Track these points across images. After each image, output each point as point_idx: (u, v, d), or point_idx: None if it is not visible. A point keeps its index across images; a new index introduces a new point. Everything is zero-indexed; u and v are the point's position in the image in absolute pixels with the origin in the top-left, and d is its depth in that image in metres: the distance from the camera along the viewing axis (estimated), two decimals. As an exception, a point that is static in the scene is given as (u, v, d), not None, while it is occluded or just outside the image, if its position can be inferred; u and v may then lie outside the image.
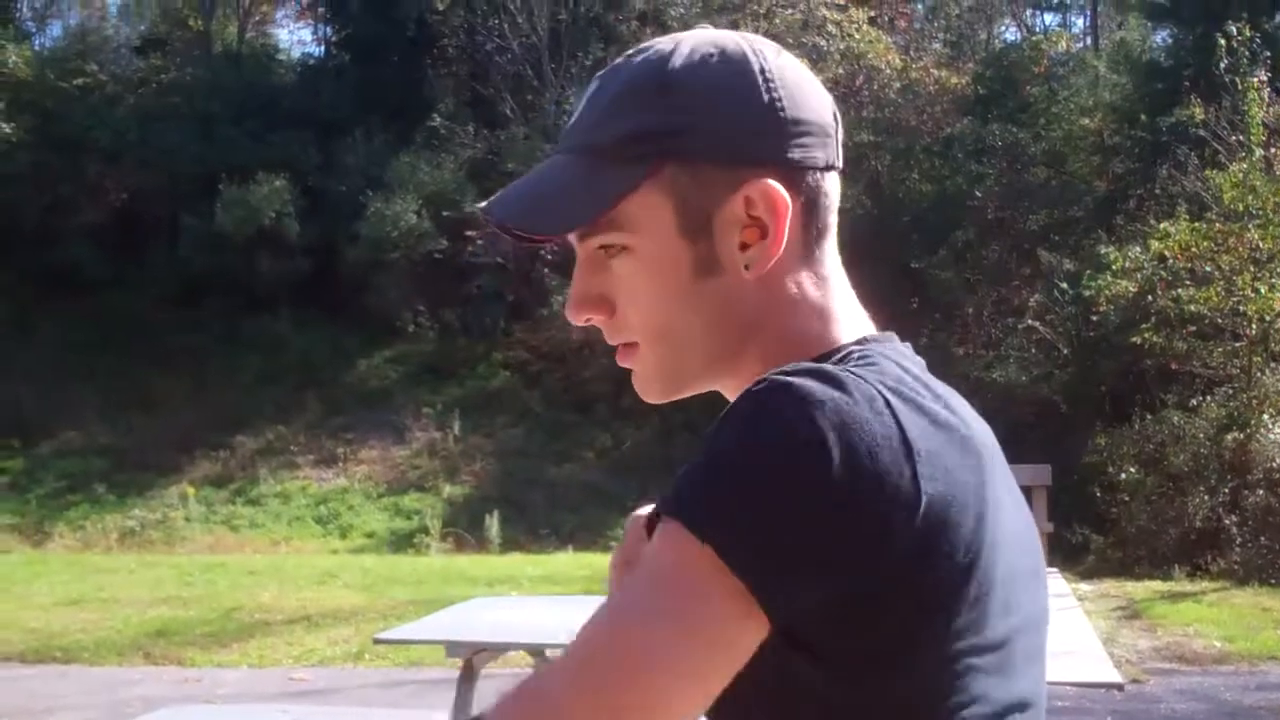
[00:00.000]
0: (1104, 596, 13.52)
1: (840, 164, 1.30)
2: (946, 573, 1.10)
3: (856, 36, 27.09)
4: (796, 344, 1.25)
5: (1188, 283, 17.31)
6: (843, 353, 1.23)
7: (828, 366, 1.14)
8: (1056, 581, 10.68)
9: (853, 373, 1.13)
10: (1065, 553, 16.20)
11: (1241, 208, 16.80)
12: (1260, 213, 16.68)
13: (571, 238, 1.28)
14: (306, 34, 47.20)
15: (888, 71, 26.67)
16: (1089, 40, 34.05)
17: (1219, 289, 16.80)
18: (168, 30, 36.78)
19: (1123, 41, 30.12)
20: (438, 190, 27.48)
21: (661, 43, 1.30)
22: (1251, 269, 16.74)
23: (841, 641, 1.09)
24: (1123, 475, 17.05)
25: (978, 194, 24.11)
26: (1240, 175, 16.91)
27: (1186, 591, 13.81)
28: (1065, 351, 21.57)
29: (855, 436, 1.07)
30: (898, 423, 1.09)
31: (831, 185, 1.28)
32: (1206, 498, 16.07)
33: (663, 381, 1.31)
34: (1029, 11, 35.81)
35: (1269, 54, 18.63)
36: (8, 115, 29.60)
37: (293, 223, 27.89)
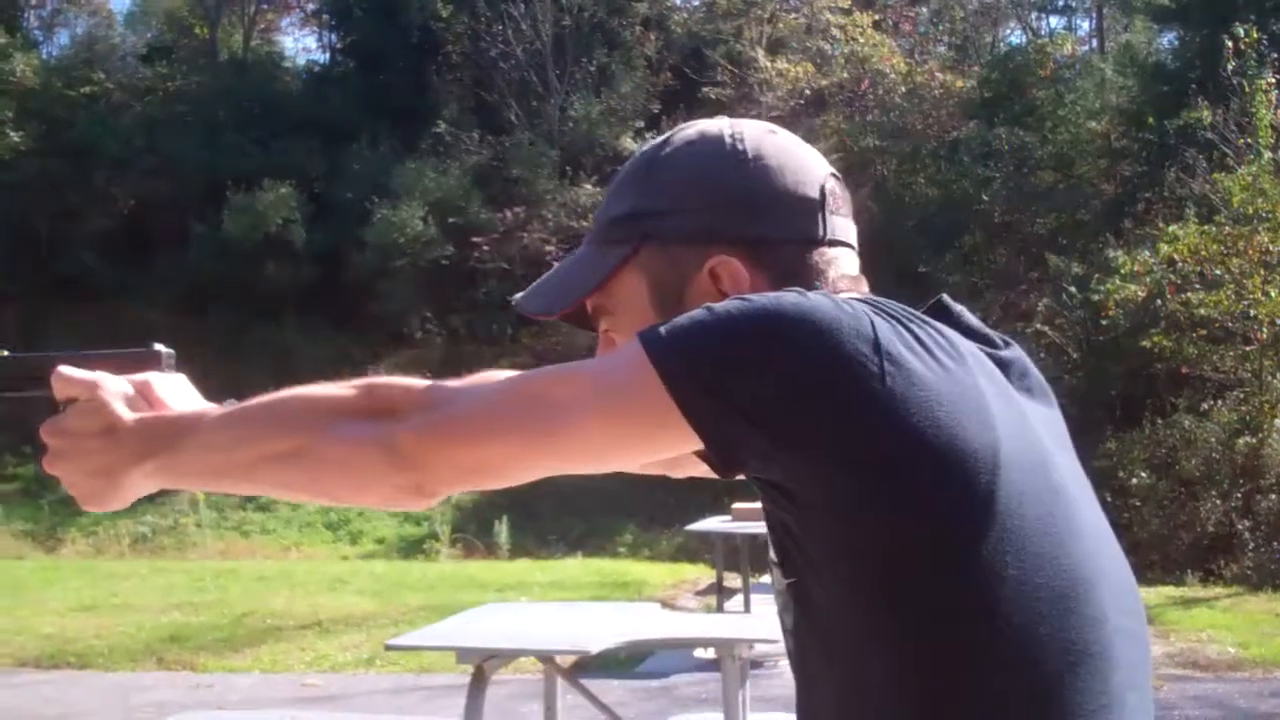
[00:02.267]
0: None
1: (838, 236, 1.36)
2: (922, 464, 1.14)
3: (861, 40, 27.12)
4: None
5: (1197, 286, 17.28)
6: None
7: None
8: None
9: None
10: (1075, 557, 16.19)
11: (1251, 210, 16.78)
12: (1270, 215, 16.66)
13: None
14: (312, 41, 47.50)
15: (892, 76, 26.70)
16: (1095, 43, 34.04)
17: (1229, 292, 16.78)
18: (174, 38, 36.90)
19: (1129, 44, 30.10)
20: (443, 197, 27.51)
21: (661, 136, 1.42)
22: (1262, 272, 16.72)
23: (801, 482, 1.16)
24: (1134, 480, 17.02)
25: (984, 198, 24.11)
26: (1249, 178, 16.89)
27: (1199, 597, 13.79)
28: (1074, 356, 21.55)
29: (816, 308, 1.16)
30: (871, 321, 1.16)
31: (824, 256, 1.34)
32: (1219, 502, 16.06)
33: None
34: (1034, 15, 35.80)
35: (1276, 55, 18.60)
36: (15, 124, 29.70)
37: (300, 230, 27.96)
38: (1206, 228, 17.29)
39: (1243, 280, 16.86)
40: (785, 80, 26.86)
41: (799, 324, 1.14)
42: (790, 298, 1.17)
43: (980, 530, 1.14)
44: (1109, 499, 17.14)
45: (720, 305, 1.18)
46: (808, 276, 1.31)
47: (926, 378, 1.14)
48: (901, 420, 1.12)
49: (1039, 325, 21.89)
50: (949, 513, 1.14)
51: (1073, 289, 21.00)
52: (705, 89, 27.14)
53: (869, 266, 1.40)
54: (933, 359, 1.16)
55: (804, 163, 1.35)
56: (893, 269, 21.18)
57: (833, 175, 1.37)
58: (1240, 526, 15.63)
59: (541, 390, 1.23)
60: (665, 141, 1.39)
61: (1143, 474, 17.06)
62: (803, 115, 27.07)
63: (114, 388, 1.41)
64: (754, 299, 1.18)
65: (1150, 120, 23.88)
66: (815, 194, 1.33)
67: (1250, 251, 16.79)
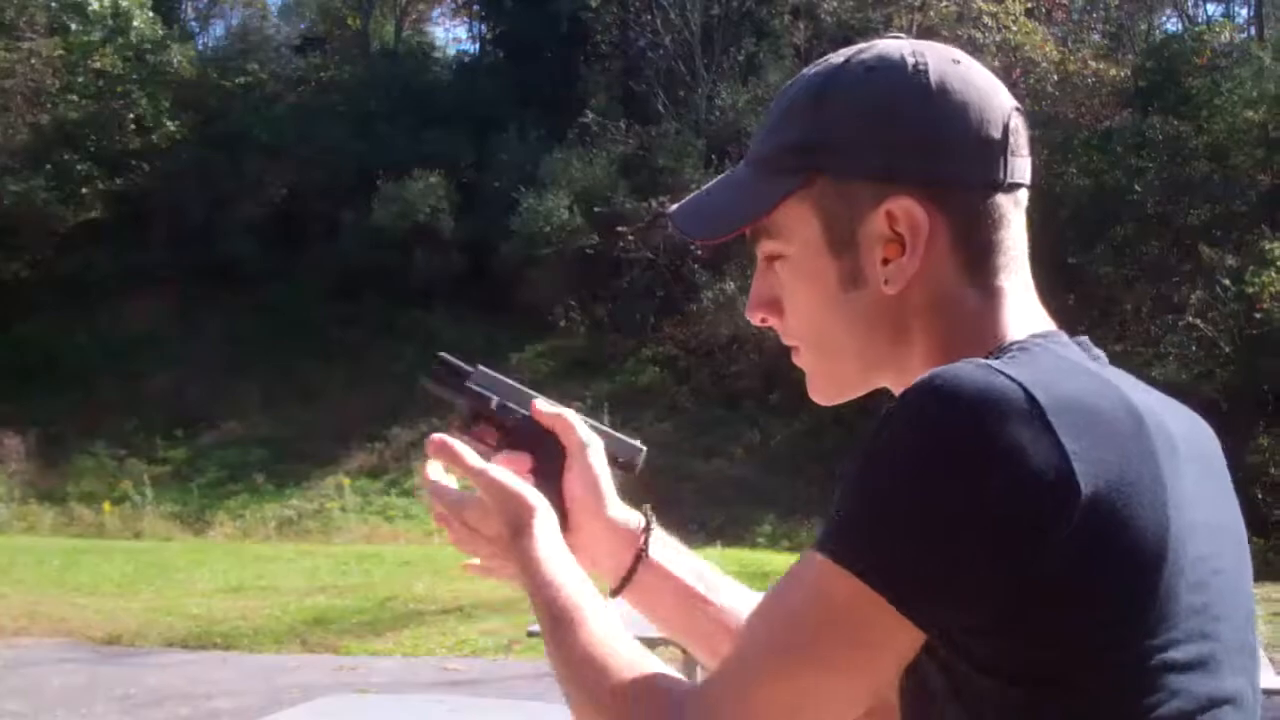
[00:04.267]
0: (1265, 600, 13.18)
1: (1016, 178, 1.27)
2: (1120, 570, 1.08)
3: (1013, 28, 26.66)
4: (957, 348, 1.23)
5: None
6: (1003, 349, 1.22)
7: (972, 373, 1.11)
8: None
9: (1002, 372, 1.11)
10: (1226, 556, 15.84)
11: None
12: None
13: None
14: (462, 32, 47.95)
15: (1044, 64, 26.23)
16: (1253, 30, 33.13)
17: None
18: (327, 29, 37.50)
19: (1290, 31, 29.26)
20: (589, 186, 27.61)
21: (837, 54, 1.32)
22: None
23: (1011, 652, 1.09)
24: (1287, 477, 16.61)
25: (1137, 188, 23.61)
26: None
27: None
28: (1227, 349, 21.03)
29: (998, 447, 1.06)
30: (1046, 423, 1.07)
31: (1003, 202, 1.27)
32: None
33: (823, 385, 1.37)
34: (1191, 1, 34.94)
35: None
36: (172, 114, 30.42)
37: (448, 219, 28.28)
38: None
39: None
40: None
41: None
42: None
43: None
44: (1260, 495, 16.74)
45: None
46: (986, 225, 1.26)
47: None
48: None
49: (1191, 318, 21.40)
50: None
51: (1226, 281, 20.50)
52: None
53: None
54: None
55: (989, 98, 1.26)
56: (1043, 260, 20.74)
57: (1016, 110, 1.28)
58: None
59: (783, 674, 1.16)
60: (844, 65, 1.29)
61: (1297, 472, 16.64)
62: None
63: (511, 490, 1.48)
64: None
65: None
66: (999, 134, 1.25)
67: None
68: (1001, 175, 1.25)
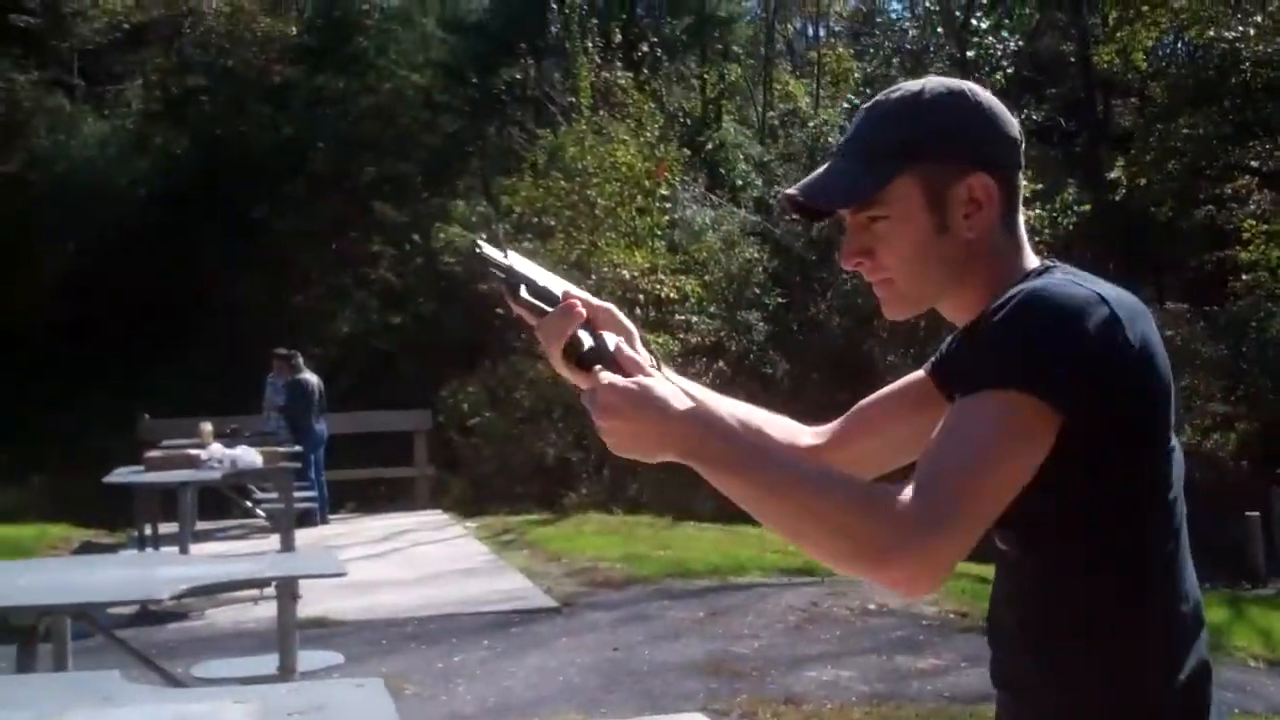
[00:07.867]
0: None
1: (1023, 164, 1.93)
2: (1157, 391, 1.74)
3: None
4: (1003, 274, 1.87)
5: (529, 236, 18.04)
6: (1034, 271, 1.86)
7: (1055, 276, 1.79)
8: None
9: (1066, 278, 1.78)
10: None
11: (579, 165, 17.83)
12: (596, 171, 17.74)
13: (845, 212, 1.92)
14: None
15: (213, 16, 26.22)
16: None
17: (561, 241, 17.72)
18: None
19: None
20: None
21: (909, 85, 1.95)
22: (590, 222, 17.80)
23: (1105, 435, 1.69)
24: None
25: (320, 144, 24.13)
26: (579, 135, 18.04)
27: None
28: (420, 299, 22.22)
29: (1089, 311, 1.69)
30: (1110, 306, 1.71)
31: (1019, 178, 1.92)
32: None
33: (901, 304, 1.96)
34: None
35: (597, 20, 19.78)
36: None
37: None
38: (542, 181, 18.25)
39: (572, 231, 17.89)
40: (101, 12, 25.81)
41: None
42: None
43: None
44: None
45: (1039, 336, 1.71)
46: (1015, 195, 1.90)
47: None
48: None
49: (385, 272, 22.36)
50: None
51: (417, 237, 21.47)
52: (14, 17, 25.20)
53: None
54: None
55: (1007, 113, 1.92)
56: (221, 217, 21.14)
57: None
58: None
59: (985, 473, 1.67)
60: (921, 91, 1.92)
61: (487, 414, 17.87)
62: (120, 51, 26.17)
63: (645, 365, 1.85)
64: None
65: (473, 78, 24.67)
66: (1019, 135, 1.92)
67: (581, 205, 17.84)
68: (1023, 161, 1.93)
